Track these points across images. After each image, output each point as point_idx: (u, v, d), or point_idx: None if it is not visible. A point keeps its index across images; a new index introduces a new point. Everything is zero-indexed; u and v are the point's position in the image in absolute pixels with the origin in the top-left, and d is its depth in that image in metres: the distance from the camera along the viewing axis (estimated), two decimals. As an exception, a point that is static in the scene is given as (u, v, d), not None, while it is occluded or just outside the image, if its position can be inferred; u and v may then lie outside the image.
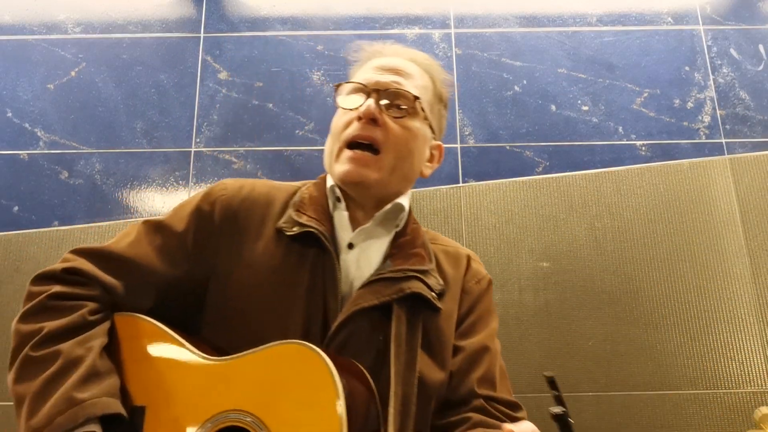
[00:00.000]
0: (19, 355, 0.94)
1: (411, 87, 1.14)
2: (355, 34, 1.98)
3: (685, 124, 1.86)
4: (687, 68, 1.92)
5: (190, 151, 1.85)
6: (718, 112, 1.87)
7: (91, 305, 1.00)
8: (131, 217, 1.79)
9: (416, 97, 1.13)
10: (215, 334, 1.02)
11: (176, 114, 1.89)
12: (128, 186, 1.82)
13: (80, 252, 1.05)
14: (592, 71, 1.92)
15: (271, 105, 1.89)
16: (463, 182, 1.79)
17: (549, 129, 1.86)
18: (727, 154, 1.80)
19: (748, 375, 1.59)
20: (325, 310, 1.01)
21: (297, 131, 1.86)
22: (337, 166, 1.10)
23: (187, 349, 0.97)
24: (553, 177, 1.79)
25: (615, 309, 1.65)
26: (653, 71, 1.92)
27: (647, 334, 1.62)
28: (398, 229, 1.14)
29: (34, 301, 1.00)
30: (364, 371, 0.96)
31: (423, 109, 1.15)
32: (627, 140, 1.84)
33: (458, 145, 1.84)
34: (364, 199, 1.13)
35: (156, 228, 1.08)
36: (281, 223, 1.08)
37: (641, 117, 1.87)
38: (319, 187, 1.16)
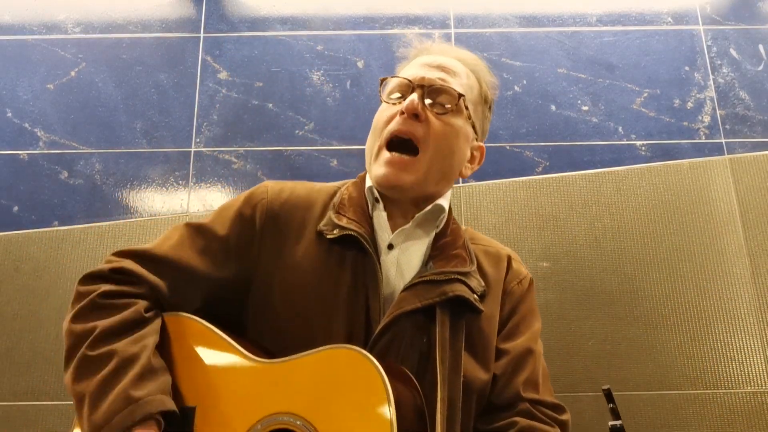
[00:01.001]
0: (76, 355, 0.95)
1: (456, 85, 1.14)
2: (355, 34, 1.98)
3: (685, 124, 1.86)
4: (687, 68, 1.92)
5: (190, 151, 1.85)
6: (718, 112, 1.87)
7: (142, 303, 1.01)
8: (131, 218, 1.79)
9: (461, 95, 1.12)
10: (259, 335, 1.03)
11: (176, 114, 1.89)
12: (128, 186, 1.82)
13: (124, 253, 1.06)
14: (592, 71, 1.92)
15: (271, 105, 1.89)
16: (463, 182, 1.79)
17: (549, 129, 1.86)
18: (727, 154, 1.80)
19: (748, 375, 1.59)
20: (367, 312, 1.02)
21: (297, 131, 1.86)
22: (375, 167, 1.10)
23: (236, 349, 0.97)
24: (553, 177, 1.79)
25: (615, 309, 1.65)
26: (653, 71, 1.92)
27: (647, 334, 1.62)
28: (438, 230, 1.13)
29: (84, 301, 1.00)
30: (411, 376, 0.95)
31: (467, 108, 1.14)
32: (627, 140, 1.84)
33: (458, 145, 1.84)
34: (402, 200, 1.13)
35: (198, 231, 1.09)
36: (321, 225, 1.08)
37: (641, 117, 1.87)
38: (358, 187, 1.16)
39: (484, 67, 1.26)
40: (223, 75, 1.94)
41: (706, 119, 1.86)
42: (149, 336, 0.98)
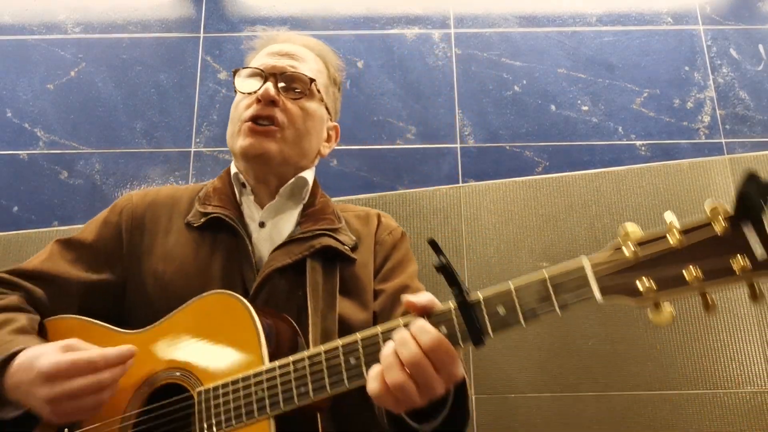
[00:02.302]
0: None
1: (306, 70, 1.22)
2: (355, 34, 1.98)
3: (685, 124, 1.86)
4: (687, 68, 1.92)
5: (190, 151, 1.85)
6: (717, 112, 1.87)
7: (18, 296, 1.07)
8: (131, 217, 1.79)
9: (312, 80, 1.20)
10: (140, 327, 1.07)
11: (176, 114, 1.89)
12: (128, 186, 1.82)
13: None
14: (591, 71, 1.92)
15: (270, 105, 1.89)
16: (462, 182, 1.79)
17: (549, 129, 1.86)
18: (727, 153, 1.80)
19: (748, 375, 1.59)
20: (243, 282, 1.07)
21: (297, 131, 1.86)
22: (239, 141, 1.16)
23: (113, 330, 1.03)
24: (553, 177, 1.79)
25: (615, 309, 1.65)
26: (653, 71, 1.92)
27: (647, 334, 1.62)
28: (305, 201, 1.21)
29: None
30: (285, 315, 1.01)
31: (319, 91, 1.22)
32: (627, 140, 1.84)
33: (458, 145, 1.84)
34: (267, 175, 1.19)
35: (67, 244, 1.16)
36: (189, 217, 1.15)
37: (641, 117, 1.87)
38: (222, 179, 1.23)
39: (330, 51, 1.34)
40: (223, 75, 1.94)
41: (706, 119, 1.86)
42: (26, 314, 1.03)
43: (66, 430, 0.98)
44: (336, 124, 1.33)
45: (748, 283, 0.68)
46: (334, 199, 1.60)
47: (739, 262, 0.67)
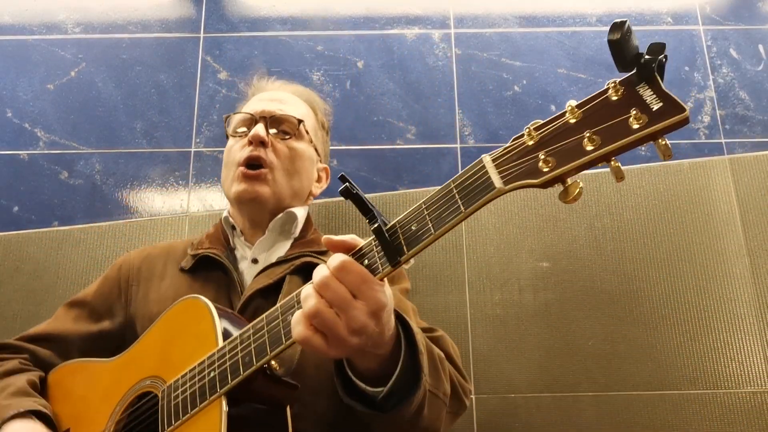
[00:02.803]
0: None
1: (294, 112, 1.27)
2: (355, 34, 1.98)
3: (685, 124, 1.86)
4: (687, 68, 1.92)
5: (190, 152, 1.85)
6: (717, 112, 1.87)
7: (20, 359, 1.13)
8: (131, 218, 1.79)
9: (300, 120, 1.26)
10: None
11: (176, 114, 1.89)
12: (128, 186, 1.82)
13: (2, 340, 1.20)
14: (592, 71, 1.92)
15: (270, 105, 1.89)
16: (462, 182, 1.79)
17: (549, 129, 1.86)
18: (727, 154, 1.80)
19: (748, 375, 1.59)
20: (231, 309, 1.08)
21: (297, 131, 1.86)
22: (234, 187, 1.20)
23: (102, 362, 1.07)
24: (553, 177, 1.78)
25: (615, 309, 1.65)
26: (653, 71, 1.92)
27: (647, 334, 1.62)
28: (296, 235, 1.23)
29: None
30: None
31: (307, 132, 1.28)
32: (627, 140, 1.84)
33: (458, 145, 1.84)
34: (260, 216, 1.22)
35: (71, 304, 1.25)
36: (182, 263, 1.20)
37: (641, 117, 1.87)
38: (216, 226, 1.29)
39: (317, 97, 1.41)
40: (223, 75, 1.94)
41: (706, 119, 1.86)
42: (27, 374, 1.08)
43: None
44: (326, 166, 1.38)
45: (651, 139, 0.66)
46: (333, 200, 1.62)
47: (636, 118, 0.66)
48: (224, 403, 0.82)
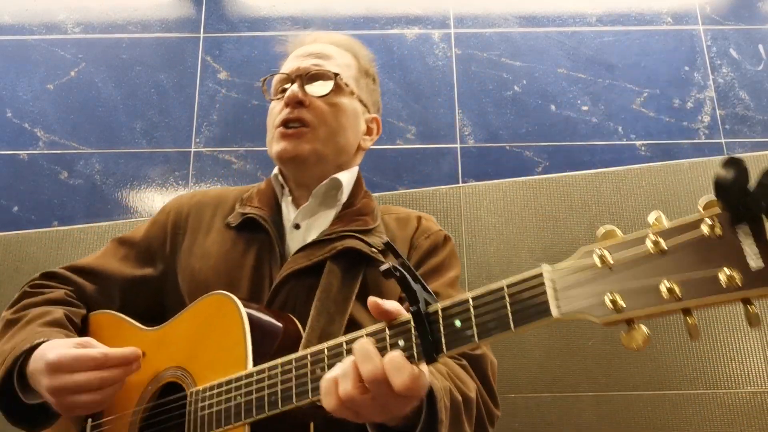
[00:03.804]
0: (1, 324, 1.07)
1: (331, 66, 1.20)
2: (355, 34, 1.97)
3: (685, 124, 1.86)
4: (687, 68, 1.92)
5: (190, 152, 1.85)
6: (717, 112, 1.87)
7: (67, 290, 1.14)
8: (131, 218, 1.78)
9: (336, 74, 1.19)
10: None
11: (176, 114, 1.89)
12: (128, 186, 1.82)
13: (53, 269, 1.20)
14: (591, 71, 1.92)
15: (270, 105, 1.89)
16: (462, 182, 1.79)
17: (549, 129, 1.86)
18: (727, 154, 1.80)
19: (748, 375, 1.59)
20: (271, 283, 1.07)
21: (297, 131, 1.86)
22: (273, 146, 1.17)
23: (136, 328, 1.08)
24: (553, 177, 1.79)
25: (615, 309, 1.65)
26: (653, 71, 1.92)
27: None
28: (340, 203, 1.19)
29: (17, 295, 1.14)
30: (292, 317, 1.01)
31: (347, 84, 1.21)
32: (627, 140, 1.84)
33: (458, 145, 1.84)
34: (304, 177, 1.18)
35: (120, 242, 1.23)
36: (229, 218, 1.17)
37: (641, 117, 1.87)
38: (268, 181, 1.24)
39: (358, 43, 1.32)
40: (223, 75, 1.93)
41: (706, 119, 1.86)
42: (68, 308, 1.09)
43: (90, 419, 1.03)
44: (376, 116, 1.30)
45: (740, 300, 0.53)
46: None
47: (728, 276, 0.53)
48: (248, 429, 0.86)
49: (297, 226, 1.16)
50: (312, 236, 1.14)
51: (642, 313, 0.57)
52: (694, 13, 1.99)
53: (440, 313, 0.71)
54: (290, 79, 1.18)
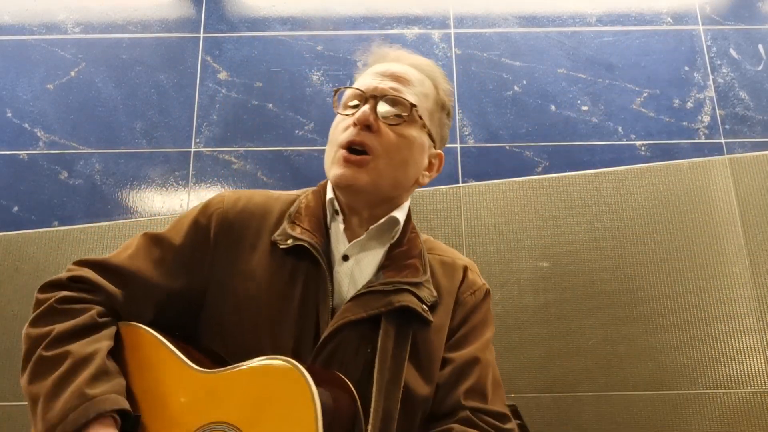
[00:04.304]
0: (32, 357, 0.97)
1: (409, 94, 1.13)
2: (355, 35, 1.98)
3: (685, 124, 1.86)
4: (686, 68, 1.92)
5: (190, 152, 1.85)
6: (717, 112, 1.87)
7: (97, 308, 1.02)
8: (131, 218, 1.79)
9: (413, 105, 1.12)
10: (212, 344, 1.04)
11: (176, 114, 1.89)
12: (128, 186, 1.82)
13: (83, 263, 1.07)
14: (591, 71, 1.92)
15: (270, 105, 1.89)
16: (462, 182, 1.79)
17: (549, 129, 1.86)
18: (727, 154, 1.80)
19: (748, 375, 1.59)
20: (317, 323, 1.02)
21: (297, 131, 1.86)
22: (333, 169, 1.10)
23: (181, 360, 0.99)
24: (553, 177, 1.79)
25: (615, 309, 1.65)
26: (653, 71, 1.92)
27: (647, 334, 1.62)
28: (393, 240, 1.13)
29: (42, 307, 1.02)
30: (349, 384, 0.96)
31: (421, 117, 1.14)
32: (627, 140, 1.84)
33: (458, 145, 1.84)
34: (358, 205, 1.12)
35: (155, 241, 1.10)
36: (276, 235, 1.08)
37: (641, 117, 1.87)
38: (317, 196, 1.16)
39: (440, 73, 1.25)
40: (222, 75, 1.94)
41: (706, 119, 1.86)
42: (104, 339, 0.99)
43: None
44: (440, 152, 1.23)
45: None
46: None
47: None
48: None
49: (345, 258, 1.10)
50: (361, 273, 1.10)
51: None
52: (694, 13, 1.99)
53: None
54: (364, 97, 1.11)
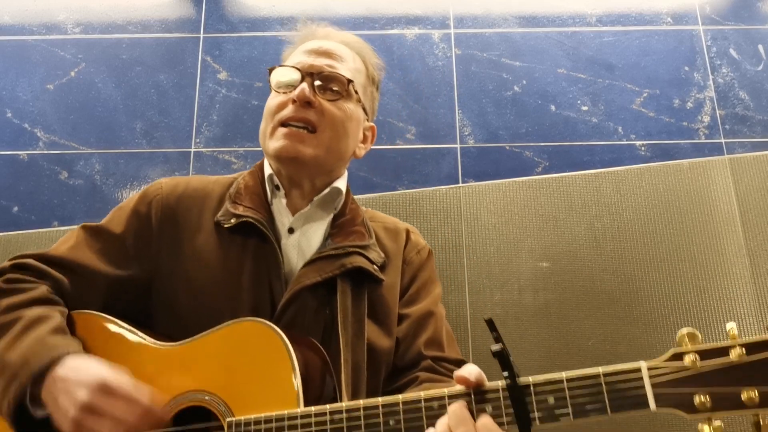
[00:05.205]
0: None
1: (344, 70, 1.18)
2: (355, 35, 1.97)
3: (685, 124, 1.86)
4: (686, 68, 1.92)
5: (190, 152, 1.85)
6: (717, 112, 1.87)
7: (47, 286, 1.02)
8: (131, 218, 1.78)
9: (350, 81, 1.17)
10: (166, 330, 1.04)
11: (176, 114, 1.89)
12: (128, 186, 1.82)
13: (23, 255, 1.08)
14: (591, 71, 1.93)
15: (270, 105, 1.89)
16: (462, 182, 1.79)
17: (549, 129, 1.86)
18: (727, 154, 1.80)
19: (748, 375, 1.59)
20: (271, 294, 1.04)
21: (297, 131, 1.86)
22: (272, 142, 1.12)
23: (142, 338, 0.99)
24: (553, 177, 1.79)
25: (615, 309, 1.65)
26: (653, 71, 1.92)
27: (647, 334, 1.62)
28: (336, 211, 1.18)
29: None
30: (317, 343, 0.99)
31: (356, 92, 1.19)
32: (627, 140, 1.84)
33: (458, 145, 1.84)
34: (301, 179, 1.15)
35: (94, 232, 1.11)
36: (219, 216, 1.10)
37: (641, 117, 1.87)
38: (254, 175, 1.18)
39: (369, 48, 1.30)
40: (222, 75, 1.94)
41: (706, 119, 1.86)
42: (56, 312, 0.99)
43: None
44: (372, 124, 1.29)
45: None
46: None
47: None
48: None
49: (290, 230, 1.13)
50: (309, 243, 1.12)
51: (725, 414, 0.70)
52: (693, 13, 1.99)
53: (532, 387, 0.77)
54: (301, 74, 1.14)
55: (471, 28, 1.98)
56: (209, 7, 2.02)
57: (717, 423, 0.71)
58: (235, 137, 1.86)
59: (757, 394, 0.67)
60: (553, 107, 1.88)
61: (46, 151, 1.85)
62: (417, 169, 1.82)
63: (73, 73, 1.94)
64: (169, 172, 1.83)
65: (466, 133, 1.86)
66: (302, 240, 1.13)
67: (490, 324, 0.78)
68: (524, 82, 1.91)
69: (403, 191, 1.78)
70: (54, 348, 0.90)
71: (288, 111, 1.12)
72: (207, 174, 1.83)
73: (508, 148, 1.84)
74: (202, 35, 1.98)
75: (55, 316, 0.97)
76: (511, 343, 1.63)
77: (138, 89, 1.92)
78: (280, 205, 1.16)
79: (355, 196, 1.74)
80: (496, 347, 0.77)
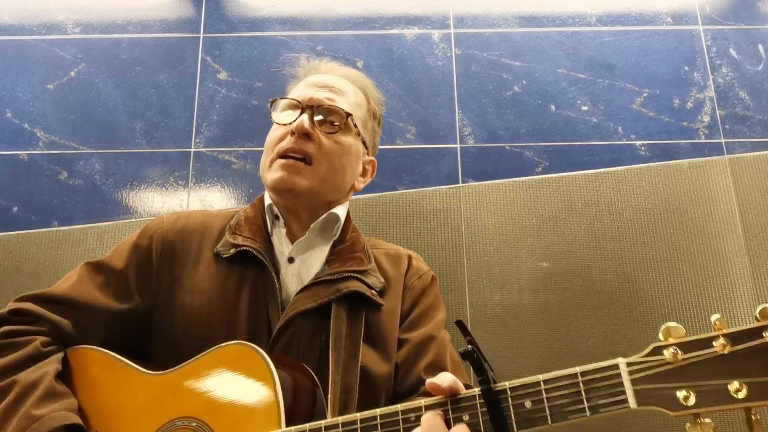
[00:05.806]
0: None
1: (344, 104, 1.19)
2: (355, 35, 1.98)
3: (685, 124, 1.86)
4: (686, 68, 1.92)
5: (190, 152, 1.85)
6: (717, 112, 1.87)
7: (42, 338, 1.04)
8: (131, 218, 1.79)
9: (348, 114, 1.18)
10: (165, 361, 1.04)
11: (176, 114, 1.89)
12: (128, 186, 1.82)
13: (24, 297, 1.09)
14: (591, 71, 1.92)
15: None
16: (462, 182, 1.79)
17: (548, 129, 1.86)
18: (727, 154, 1.80)
19: (748, 375, 1.59)
20: (268, 321, 1.05)
21: (297, 131, 1.86)
22: (270, 173, 1.14)
23: (134, 369, 1.00)
24: (553, 177, 1.79)
25: (615, 309, 1.65)
26: (653, 71, 1.92)
27: (647, 334, 1.62)
28: (336, 237, 1.18)
29: None
30: (306, 366, 0.99)
31: (356, 125, 1.20)
32: (626, 140, 1.84)
33: (458, 145, 1.84)
34: (298, 209, 1.16)
35: (96, 268, 1.13)
36: (218, 247, 1.12)
37: (641, 117, 1.87)
38: (255, 207, 1.20)
39: (371, 83, 1.32)
40: (222, 75, 1.94)
41: (706, 119, 1.86)
42: (50, 364, 1.00)
43: None
44: (373, 159, 1.30)
45: None
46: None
47: None
48: None
49: (290, 260, 1.14)
50: (308, 271, 1.13)
51: (712, 410, 0.66)
52: (693, 13, 1.99)
53: (509, 392, 0.74)
54: (300, 107, 1.16)
55: (471, 28, 1.98)
56: (209, 7, 2.02)
57: (706, 420, 0.67)
58: (235, 137, 1.86)
59: (745, 387, 0.63)
60: (553, 107, 1.88)
61: (46, 151, 1.85)
62: (417, 169, 1.82)
63: (73, 73, 1.94)
64: (168, 172, 1.83)
65: (466, 133, 1.86)
66: (302, 269, 1.13)
67: (461, 326, 0.77)
68: (524, 82, 1.91)
69: (403, 191, 1.78)
70: (43, 423, 0.91)
71: (286, 142, 1.14)
72: (207, 174, 1.84)
73: (508, 148, 1.84)
74: (202, 35, 1.98)
75: (49, 373, 0.98)
76: (511, 343, 1.63)
77: (138, 89, 1.92)
78: (280, 235, 1.17)
79: (356, 197, 1.74)
80: (464, 348, 0.75)
